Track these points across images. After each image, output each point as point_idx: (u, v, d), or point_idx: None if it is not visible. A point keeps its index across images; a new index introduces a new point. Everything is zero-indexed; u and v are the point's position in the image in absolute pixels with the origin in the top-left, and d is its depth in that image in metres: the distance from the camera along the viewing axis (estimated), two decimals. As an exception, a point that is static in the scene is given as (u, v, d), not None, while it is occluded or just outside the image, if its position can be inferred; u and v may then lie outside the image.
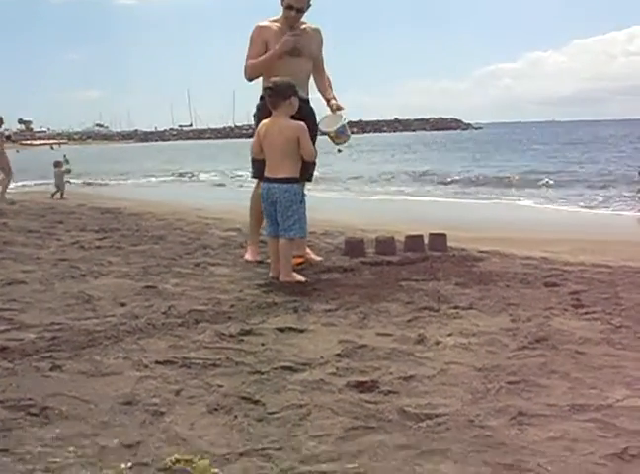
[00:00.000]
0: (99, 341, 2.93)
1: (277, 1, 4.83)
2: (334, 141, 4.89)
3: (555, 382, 2.43)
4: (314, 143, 4.77)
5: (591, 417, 2.12)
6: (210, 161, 32.57)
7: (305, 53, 4.82)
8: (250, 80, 4.79)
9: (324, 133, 4.78)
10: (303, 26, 4.84)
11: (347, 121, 4.81)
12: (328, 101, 4.98)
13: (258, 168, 4.53)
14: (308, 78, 4.94)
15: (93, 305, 3.59)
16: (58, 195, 12.37)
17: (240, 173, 21.61)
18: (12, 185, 11.91)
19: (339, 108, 4.86)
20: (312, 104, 4.98)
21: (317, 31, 4.97)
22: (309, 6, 4.80)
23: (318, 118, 4.89)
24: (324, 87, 5.05)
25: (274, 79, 4.33)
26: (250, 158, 4.58)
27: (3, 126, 11.68)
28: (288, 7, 4.73)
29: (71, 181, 15.45)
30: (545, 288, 3.94)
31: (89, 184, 19.47)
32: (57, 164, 12.77)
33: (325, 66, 5.07)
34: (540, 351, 2.78)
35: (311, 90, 5.00)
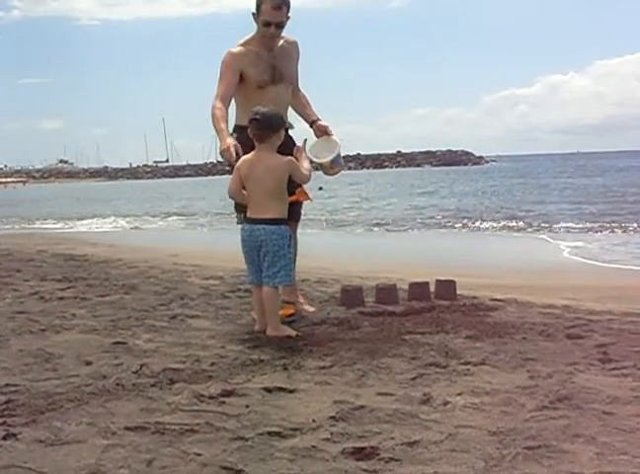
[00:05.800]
0: (60, 404, 2.92)
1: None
2: (326, 172, 4.79)
3: (580, 447, 2.43)
4: None
5: (620, 486, 2.13)
6: (186, 201, 32.73)
7: (286, 77, 4.72)
8: None
9: (314, 163, 4.60)
10: (279, 41, 4.68)
11: (341, 148, 4.70)
12: (312, 123, 4.83)
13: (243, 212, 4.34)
14: (288, 105, 4.83)
15: (53, 364, 3.59)
16: None
17: (222, 213, 21.71)
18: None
19: (328, 132, 4.73)
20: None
21: (294, 45, 4.82)
22: (288, 18, 4.61)
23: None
24: (302, 106, 4.90)
25: (262, 110, 4.16)
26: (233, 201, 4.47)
27: None
28: (266, 24, 4.54)
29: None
30: (568, 341, 3.96)
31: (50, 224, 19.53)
32: None
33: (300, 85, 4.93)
34: (563, 411, 2.79)
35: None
